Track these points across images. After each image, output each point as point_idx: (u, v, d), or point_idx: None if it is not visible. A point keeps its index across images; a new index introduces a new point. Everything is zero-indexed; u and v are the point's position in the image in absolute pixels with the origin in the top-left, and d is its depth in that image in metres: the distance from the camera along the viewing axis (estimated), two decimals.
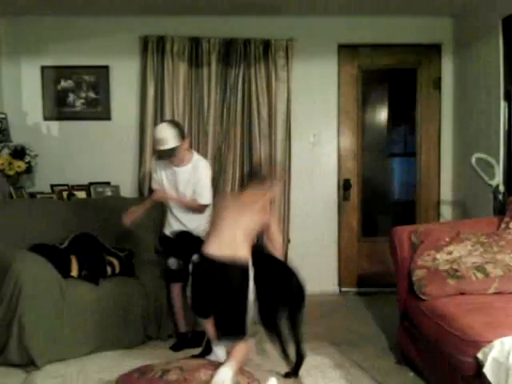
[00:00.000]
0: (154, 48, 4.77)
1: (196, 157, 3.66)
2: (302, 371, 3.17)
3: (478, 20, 4.52)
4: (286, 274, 3.21)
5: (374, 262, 5.11)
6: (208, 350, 3.30)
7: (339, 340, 3.73)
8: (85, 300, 3.47)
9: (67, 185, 4.73)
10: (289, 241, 4.95)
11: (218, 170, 4.86)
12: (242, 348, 2.77)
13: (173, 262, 3.63)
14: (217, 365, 2.73)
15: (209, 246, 2.86)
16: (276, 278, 3.20)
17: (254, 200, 3.03)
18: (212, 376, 2.58)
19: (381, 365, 3.28)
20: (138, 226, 3.78)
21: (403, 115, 5.36)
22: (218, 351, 3.12)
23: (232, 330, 2.80)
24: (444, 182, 5.14)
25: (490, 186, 3.94)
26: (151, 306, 3.75)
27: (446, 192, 5.14)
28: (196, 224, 3.58)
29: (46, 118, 4.92)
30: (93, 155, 4.87)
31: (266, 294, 3.01)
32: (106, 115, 4.91)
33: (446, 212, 5.13)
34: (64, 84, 4.91)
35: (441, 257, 3.07)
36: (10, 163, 4.46)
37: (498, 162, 4.06)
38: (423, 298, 2.97)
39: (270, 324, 3.12)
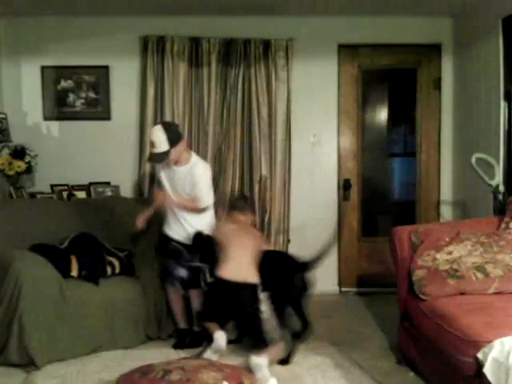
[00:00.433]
0: (154, 48, 4.77)
1: (194, 158, 3.64)
2: (302, 371, 3.18)
3: (478, 20, 4.52)
4: (289, 267, 3.47)
5: (373, 262, 5.11)
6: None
7: (339, 340, 3.74)
8: (85, 300, 3.47)
9: (67, 185, 4.73)
10: (289, 241, 4.95)
11: (218, 170, 4.87)
12: (271, 351, 3.16)
13: (183, 272, 3.60)
14: (218, 365, 2.74)
15: (223, 269, 3.28)
16: (279, 272, 3.47)
17: (249, 226, 3.62)
18: (214, 377, 2.58)
19: (381, 365, 3.28)
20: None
21: (403, 115, 5.36)
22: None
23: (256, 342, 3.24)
24: (444, 182, 5.14)
25: (490, 185, 3.94)
26: (151, 306, 3.75)
27: (446, 192, 5.14)
28: (198, 226, 3.58)
29: (46, 118, 4.92)
30: (93, 155, 4.87)
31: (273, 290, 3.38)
32: (106, 115, 4.91)
33: (446, 212, 5.13)
34: (64, 84, 4.91)
35: (441, 257, 3.07)
36: (10, 163, 4.46)
37: (497, 162, 4.06)
38: (423, 297, 2.97)
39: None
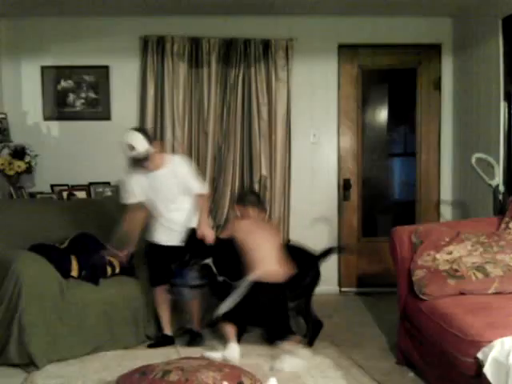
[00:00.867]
0: (154, 48, 4.77)
1: (169, 156, 3.62)
2: (302, 371, 3.17)
3: (478, 20, 4.52)
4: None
5: (373, 262, 5.11)
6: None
7: (339, 340, 3.73)
8: (85, 300, 3.46)
9: (67, 185, 4.73)
10: (289, 241, 4.94)
11: (218, 170, 4.87)
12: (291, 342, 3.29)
13: (195, 279, 3.61)
14: (217, 365, 2.73)
15: (260, 272, 3.29)
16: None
17: (265, 222, 3.73)
18: (214, 377, 2.58)
19: (381, 365, 3.28)
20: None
21: (403, 115, 5.37)
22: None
23: (284, 335, 3.33)
24: (444, 182, 5.15)
25: (490, 186, 3.94)
26: (151, 306, 3.75)
27: (446, 192, 5.14)
28: (188, 224, 3.55)
29: (46, 118, 4.92)
30: (93, 155, 4.87)
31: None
32: (106, 115, 4.91)
33: (446, 212, 5.13)
34: (64, 84, 4.91)
35: (441, 257, 3.07)
36: (10, 163, 4.46)
37: (497, 162, 4.06)
38: (423, 297, 2.96)
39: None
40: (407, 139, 5.42)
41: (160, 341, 3.66)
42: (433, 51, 5.09)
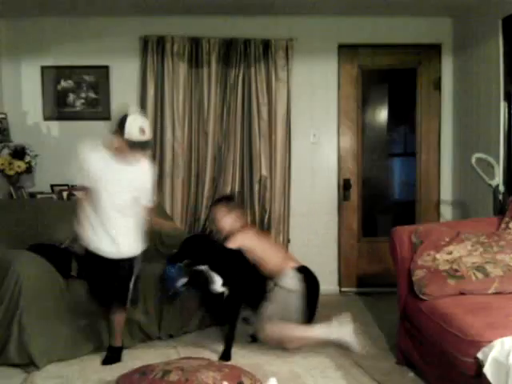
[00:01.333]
0: (154, 48, 4.77)
1: (143, 158, 3.28)
2: (302, 371, 3.18)
3: (478, 20, 4.52)
4: None
5: (373, 262, 5.11)
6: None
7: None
8: (85, 300, 3.46)
9: (67, 185, 4.73)
10: (289, 241, 4.95)
11: (218, 170, 4.87)
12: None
13: (182, 282, 3.49)
14: (217, 365, 2.74)
15: (283, 275, 3.47)
16: None
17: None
18: (214, 377, 2.58)
19: (381, 365, 3.28)
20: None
21: (403, 115, 5.36)
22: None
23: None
24: (444, 182, 5.14)
25: (490, 186, 3.94)
26: (151, 306, 3.75)
27: (446, 192, 5.14)
28: (133, 238, 3.25)
29: (46, 118, 4.92)
30: None
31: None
32: (105, 115, 4.90)
33: (446, 212, 5.13)
34: (64, 84, 4.91)
35: (441, 257, 3.07)
36: (10, 163, 4.46)
37: (497, 162, 4.06)
38: (423, 297, 2.96)
39: None
40: (407, 139, 5.42)
41: (110, 356, 3.34)
42: (433, 51, 5.09)
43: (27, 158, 4.57)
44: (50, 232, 3.89)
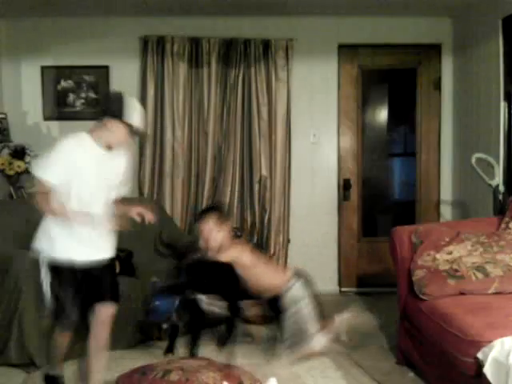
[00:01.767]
0: (154, 48, 4.77)
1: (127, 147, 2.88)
2: (302, 371, 3.18)
3: (478, 20, 4.52)
4: None
5: (373, 262, 5.11)
6: None
7: (339, 340, 3.73)
8: None
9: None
10: (289, 241, 4.95)
11: (218, 170, 4.87)
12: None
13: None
14: (218, 365, 2.74)
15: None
16: None
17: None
18: (214, 377, 2.58)
19: (381, 365, 3.28)
20: (137, 226, 3.71)
21: (403, 115, 5.37)
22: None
23: None
24: (444, 182, 5.14)
25: (490, 186, 3.94)
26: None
27: (446, 192, 5.13)
28: (111, 241, 2.81)
29: (46, 118, 4.92)
30: None
31: None
32: None
33: (446, 212, 5.13)
34: (64, 84, 4.91)
35: (441, 257, 3.07)
36: (10, 163, 4.46)
37: (497, 162, 4.06)
38: (423, 298, 2.96)
39: None
40: (407, 139, 5.42)
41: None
42: (433, 51, 5.09)
43: (27, 158, 4.56)
44: None
